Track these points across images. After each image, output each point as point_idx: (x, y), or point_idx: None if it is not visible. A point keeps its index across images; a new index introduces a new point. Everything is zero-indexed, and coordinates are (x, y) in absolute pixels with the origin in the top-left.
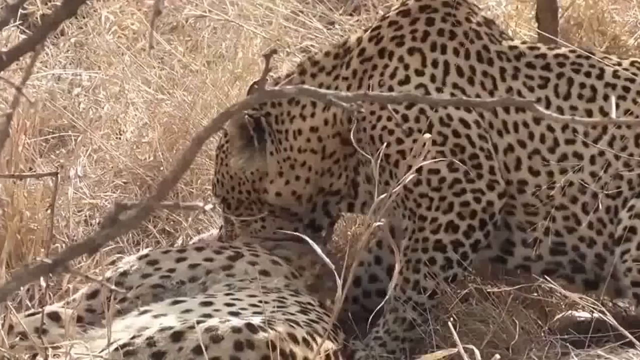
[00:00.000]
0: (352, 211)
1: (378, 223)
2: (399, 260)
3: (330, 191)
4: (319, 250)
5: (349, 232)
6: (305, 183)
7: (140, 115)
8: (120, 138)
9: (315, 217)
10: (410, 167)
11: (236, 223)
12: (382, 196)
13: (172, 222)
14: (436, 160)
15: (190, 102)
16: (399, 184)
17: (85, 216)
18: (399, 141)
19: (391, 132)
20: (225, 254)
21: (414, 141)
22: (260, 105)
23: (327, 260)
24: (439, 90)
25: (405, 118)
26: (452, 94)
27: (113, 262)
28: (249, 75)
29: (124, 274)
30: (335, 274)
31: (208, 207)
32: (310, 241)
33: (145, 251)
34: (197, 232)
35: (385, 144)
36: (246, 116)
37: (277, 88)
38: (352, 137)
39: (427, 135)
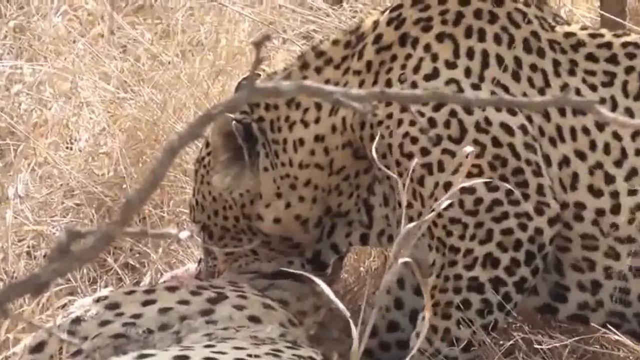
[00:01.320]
0: (365, 243)
1: (403, 260)
2: (427, 304)
3: (338, 212)
4: (326, 289)
5: (361, 268)
6: (312, 203)
7: (97, 119)
8: (71, 148)
9: (320, 249)
10: (448, 184)
11: (219, 256)
12: (410, 225)
13: (137, 255)
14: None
15: (160, 101)
16: (432, 211)
17: (28, 246)
18: (424, 152)
19: (414, 141)
20: (204, 295)
21: (443, 152)
22: (250, 107)
23: (339, 302)
24: (475, 87)
25: (432, 122)
26: (492, 92)
27: (63, 306)
28: (235, 68)
29: (77, 320)
30: (351, 322)
31: (183, 235)
32: (315, 278)
33: (103, 292)
34: (170, 268)
35: (407, 155)
36: (233, 121)
37: (271, 85)
38: (371, 148)
39: (470, 149)
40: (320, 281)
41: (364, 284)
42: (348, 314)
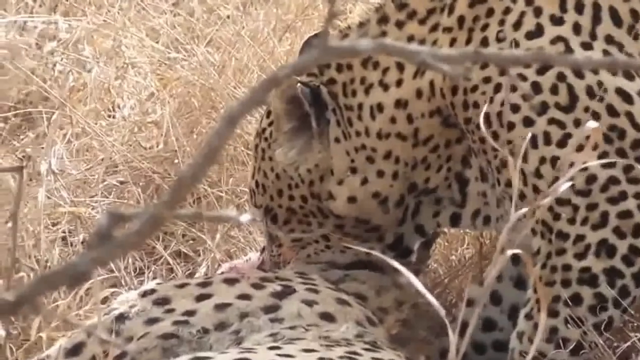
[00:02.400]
0: (457, 225)
1: (513, 252)
2: (531, 297)
3: (425, 189)
4: (413, 279)
5: (452, 257)
6: (392, 179)
7: (144, 83)
8: (114, 116)
9: (403, 232)
10: (555, 159)
11: (285, 243)
12: (522, 211)
13: (191, 242)
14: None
15: (218, 63)
16: (549, 191)
17: (64, 231)
18: (527, 122)
19: (516, 109)
20: (268, 288)
21: (550, 122)
22: (320, 68)
23: (430, 296)
24: (585, 46)
25: (536, 88)
26: (605, 52)
27: (105, 301)
28: (305, 24)
29: (121, 317)
30: (447, 323)
31: (244, 219)
32: (399, 266)
33: (151, 284)
34: (229, 257)
35: (507, 126)
36: (299, 85)
37: (345, 43)
38: (465, 117)
39: (594, 124)
40: (406, 270)
41: (456, 275)
42: (443, 311)
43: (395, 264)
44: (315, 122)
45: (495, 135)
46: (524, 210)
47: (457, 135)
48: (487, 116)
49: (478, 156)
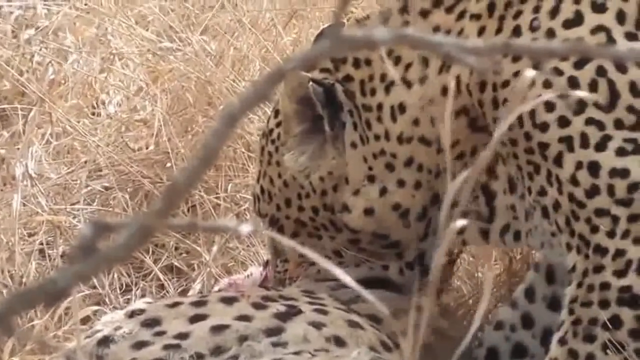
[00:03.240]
0: (484, 242)
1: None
2: (566, 320)
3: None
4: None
5: (477, 273)
6: (414, 189)
7: (133, 76)
8: (98, 114)
9: (425, 249)
10: (594, 165)
11: (292, 258)
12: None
13: (184, 255)
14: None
15: (215, 53)
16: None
17: (41, 243)
18: (563, 122)
19: (550, 108)
20: (271, 309)
21: (588, 123)
22: (334, 63)
23: (368, 295)
24: (630, 36)
25: (573, 83)
26: None
27: (87, 321)
28: (315, 10)
29: (106, 340)
30: (387, 314)
31: (245, 229)
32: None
33: (139, 303)
34: (227, 272)
35: (540, 127)
36: (310, 82)
37: (362, 34)
38: (494, 116)
39: (532, 73)
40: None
41: (482, 295)
42: (386, 311)
43: (328, 264)
44: (328, 124)
45: (527, 137)
46: (462, 176)
47: (485, 141)
48: (519, 116)
49: (507, 163)
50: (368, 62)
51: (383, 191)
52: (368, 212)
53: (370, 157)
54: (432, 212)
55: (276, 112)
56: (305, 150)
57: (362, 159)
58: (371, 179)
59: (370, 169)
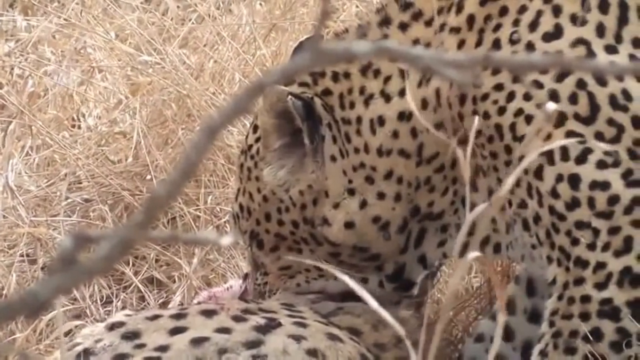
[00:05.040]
0: (464, 255)
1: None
2: (546, 332)
3: (429, 213)
4: (368, 297)
5: (459, 287)
6: (395, 202)
7: (113, 89)
8: (78, 126)
9: (405, 262)
10: (574, 177)
11: (272, 270)
12: (479, 208)
13: (164, 267)
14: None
15: (195, 66)
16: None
17: (22, 255)
18: (543, 135)
19: (529, 120)
20: (251, 321)
21: (568, 135)
22: (313, 76)
23: (388, 315)
24: (610, 49)
25: (553, 96)
26: (632, 57)
27: (68, 333)
28: (294, 23)
29: (86, 353)
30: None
31: (225, 241)
32: (348, 279)
33: (119, 315)
34: (207, 284)
35: (520, 139)
36: (289, 97)
37: (342, 46)
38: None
39: (553, 106)
40: (356, 284)
41: (463, 308)
42: (403, 331)
43: (345, 278)
44: (308, 138)
45: (508, 149)
46: (482, 206)
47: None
48: (498, 128)
49: (487, 175)
50: (347, 76)
51: (363, 204)
52: (348, 225)
53: (349, 170)
54: (412, 225)
55: (255, 128)
56: (284, 164)
57: (342, 172)
58: (351, 192)
59: (350, 182)
